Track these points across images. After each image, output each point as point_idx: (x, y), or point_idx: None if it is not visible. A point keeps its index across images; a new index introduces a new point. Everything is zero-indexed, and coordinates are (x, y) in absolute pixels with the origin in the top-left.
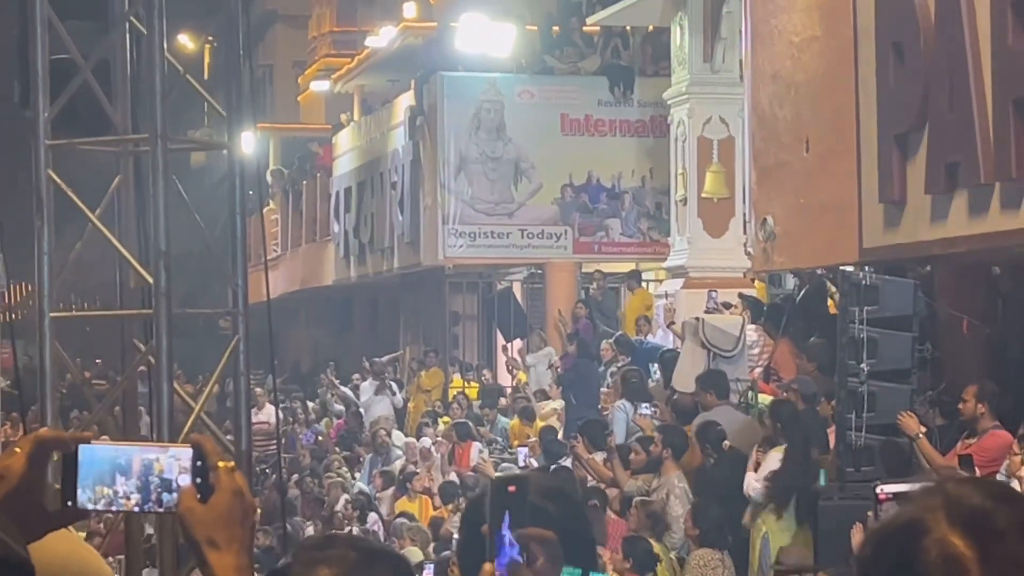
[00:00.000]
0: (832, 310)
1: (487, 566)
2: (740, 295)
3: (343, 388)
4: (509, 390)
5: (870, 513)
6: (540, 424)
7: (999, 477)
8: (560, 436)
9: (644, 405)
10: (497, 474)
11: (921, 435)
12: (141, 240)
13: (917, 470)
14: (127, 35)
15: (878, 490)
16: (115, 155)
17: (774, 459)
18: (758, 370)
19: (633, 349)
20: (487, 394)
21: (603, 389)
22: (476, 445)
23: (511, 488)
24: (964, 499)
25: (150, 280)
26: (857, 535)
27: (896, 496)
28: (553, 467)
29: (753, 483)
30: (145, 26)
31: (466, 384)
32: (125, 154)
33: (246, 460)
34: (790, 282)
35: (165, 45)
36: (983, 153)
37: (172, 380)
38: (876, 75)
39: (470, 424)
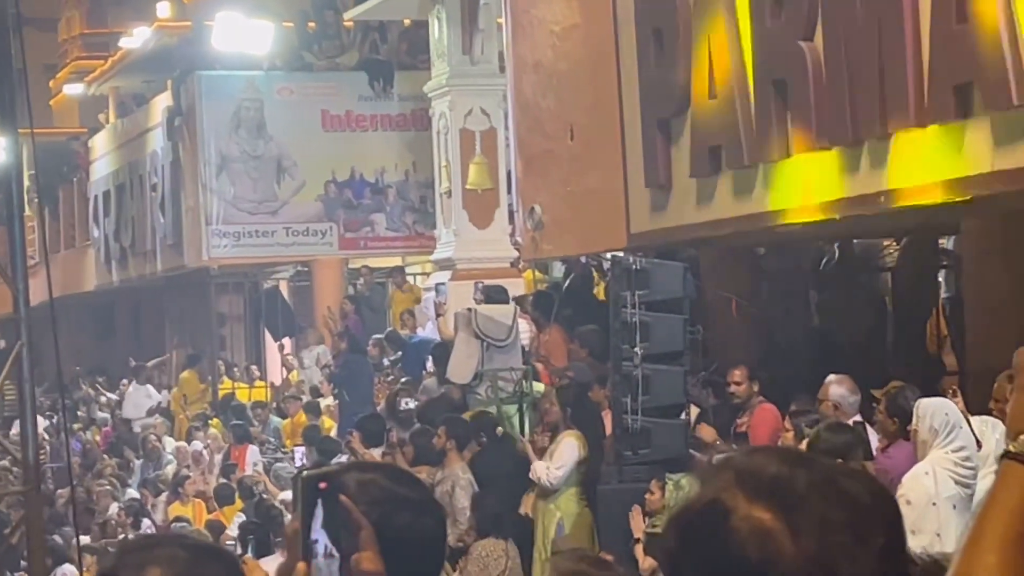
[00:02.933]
0: (601, 296)
1: (300, 566)
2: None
3: (108, 394)
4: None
5: (647, 496)
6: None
7: None
8: (334, 433)
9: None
10: (307, 471)
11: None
12: None
13: (696, 450)
14: None
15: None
16: None
17: (570, 445)
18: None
19: (403, 344)
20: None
21: (376, 384)
22: (252, 448)
23: (322, 485)
24: (758, 470)
25: None
26: (636, 517)
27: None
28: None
29: (552, 471)
30: None
31: (234, 385)
32: None
33: (34, 468)
34: (558, 270)
35: None
36: (745, 135)
37: None
38: (637, 61)
39: (246, 426)
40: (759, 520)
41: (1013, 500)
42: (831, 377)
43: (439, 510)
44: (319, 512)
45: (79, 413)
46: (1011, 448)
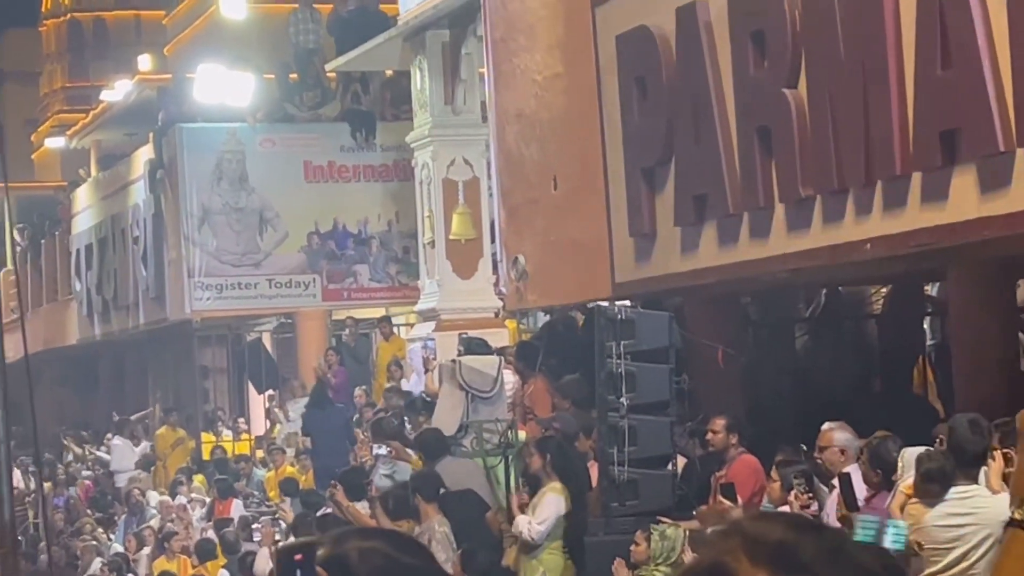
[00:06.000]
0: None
1: None
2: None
3: (93, 449)
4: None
5: (632, 548)
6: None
7: (764, 506)
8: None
9: (379, 448)
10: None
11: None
12: None
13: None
14: None
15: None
16: None
17: (552, 499)
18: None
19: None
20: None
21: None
22: (236, 501)
23: (297, 557)
24: (763, 536)
25: None
26: (619, 570)
27: None
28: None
29: (533, 525)
30: None
31: (217, 438)
32: None
33: (9, 529)
34: (541, 320)
35: None
36: (730, 183)
37: None
38: (620, 110)
39: (230, 481)
40: None
41: (1019, 569)
42: (828, 424)
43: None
44: None
45: (60, 468)
46: (1016, 516)
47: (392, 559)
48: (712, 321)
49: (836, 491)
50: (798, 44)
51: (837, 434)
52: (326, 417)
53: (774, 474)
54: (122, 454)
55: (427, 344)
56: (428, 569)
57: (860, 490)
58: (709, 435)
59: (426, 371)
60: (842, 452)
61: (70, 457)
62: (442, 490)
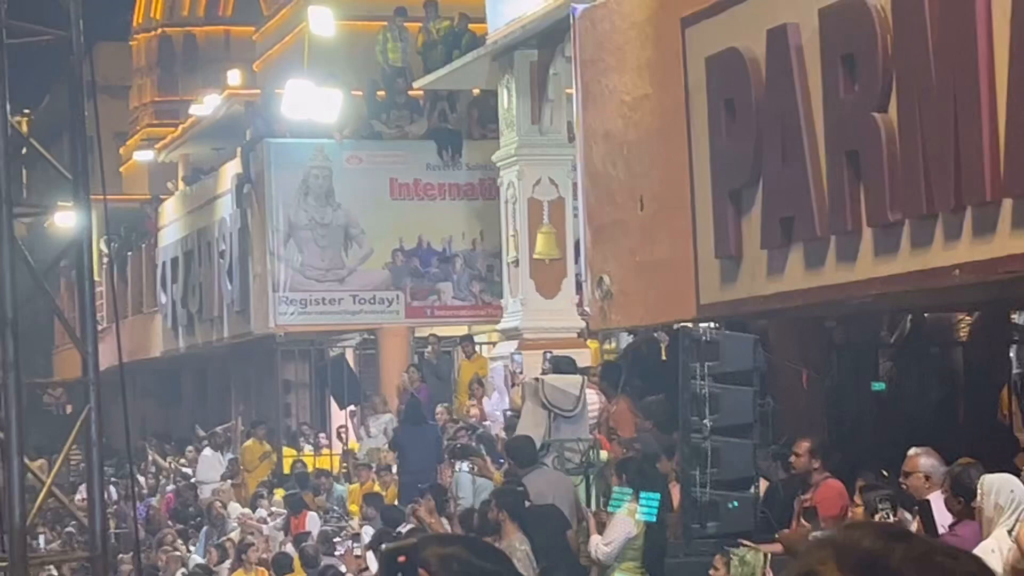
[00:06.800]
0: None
1: None
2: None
3: (175, 462)
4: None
5: (711, 572)
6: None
7: None
8: (393, 501)
9: (463, 464)
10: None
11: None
12: None
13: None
14: None
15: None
16: None
17: (623, 520)
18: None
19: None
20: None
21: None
22: (311, 515)
23: (400, 558)
24: (853, 544)
25: None
26: None
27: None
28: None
29: (601, 547)
30: None
31: (298, 453)
32: None
33: (101, 534)
34: (624, 341)
35: (8, 108)
36: (817, 206)
37: (23, 454)
38: (708, 131)
39: (300, 495)
40: None
41: None
42: (914, 450)
43: None
44: None
45: (141, 479)
46: None
47: (471, 565)
48: (796, 344)
49: (917, 519)
50: (889, 68)
51: (923, 460)
52: (419, 434)
53: (857, 498)
54: (209, 465)
55: (514, 359)
56: (505, 573)
57: (942, 517)
58: (792, 458)
59: (512, 386)
60: (927, 478)
61: (152, 468)
62: (527, 503)
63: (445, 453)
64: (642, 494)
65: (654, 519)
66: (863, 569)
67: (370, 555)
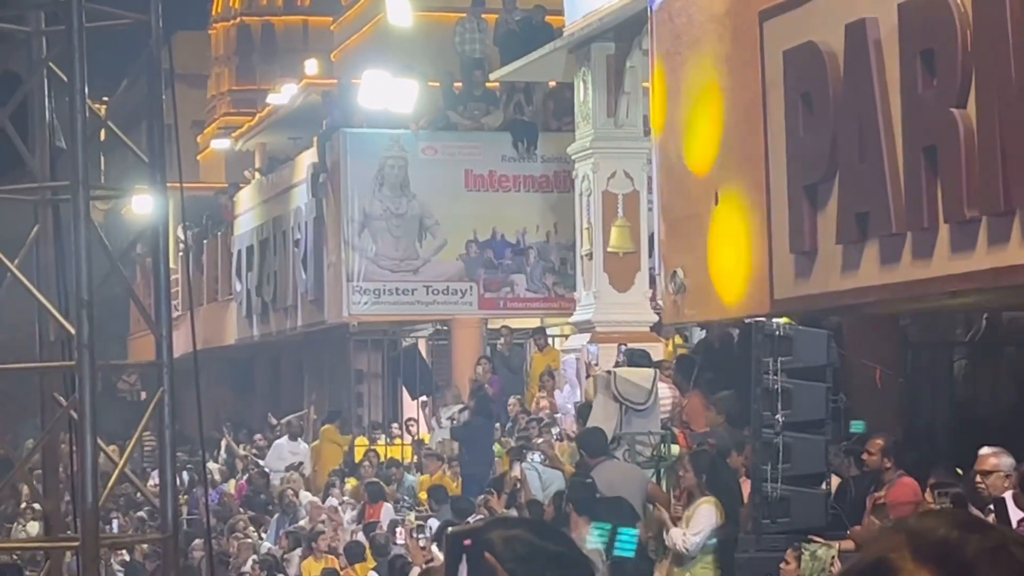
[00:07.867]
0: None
1: None
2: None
3: (249, 448)
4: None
5: (781, 566)
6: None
7: None
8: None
9: (534, 455)
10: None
11: None
12: (60, 291)
13: (833, 522)
14: (45, 81)
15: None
16: (32, 204)
17: (707, 511)
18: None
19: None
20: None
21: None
22: (387, 506)
23: (466, 542)
24: (928, 532)
25: (72, 331)
26: None
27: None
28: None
29: (688, 537)
30: (66, 72)
31: (371, 442)
32: (43, 203)
33: (172, 516)
34: (697, 335)
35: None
36: (894, 202)
37: (96, 436)
38: (785, 126)
39: (381, 484)
40: None
41: None
42: (987, 449)
43: (587, 563)
44: (463, 569)
45: (214, 466)
46: None
47: (535, 546)
48: (870, 341)
49: (992, 516)
50: (968, 63)
51: (1002, 459)
52: (484, 427)
53: (928, 496)
54: (281, 453)
55: (589, 350)
56: (571, 555)
57: (1014, 514)
58: (865, 455)
59: (587, 377)
60: (1006, 477)
61: (224, 455)
62: (597, 494)
63: (509, 454)
64: (620, 530)
65: (632, 555)
66: (937, 558)
67: (434, 547)
